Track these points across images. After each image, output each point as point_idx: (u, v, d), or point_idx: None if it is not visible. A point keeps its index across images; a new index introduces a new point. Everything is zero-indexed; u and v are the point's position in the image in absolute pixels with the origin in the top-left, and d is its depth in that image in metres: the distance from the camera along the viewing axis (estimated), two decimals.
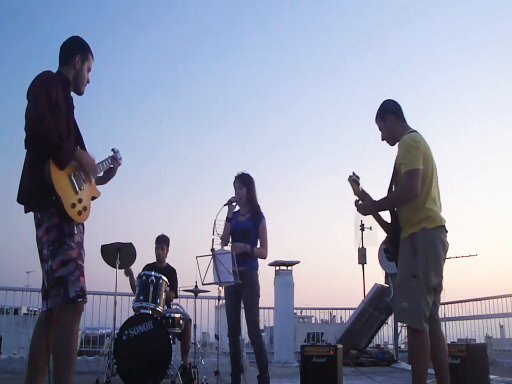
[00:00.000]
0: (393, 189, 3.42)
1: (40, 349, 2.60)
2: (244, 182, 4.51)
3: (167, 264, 5.87)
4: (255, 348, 4.30)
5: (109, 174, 3.13)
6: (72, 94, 2.91)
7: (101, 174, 3.07)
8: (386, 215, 3.48)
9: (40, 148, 2.58)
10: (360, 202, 3.45)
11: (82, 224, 2.77)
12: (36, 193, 2.59)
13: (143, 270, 5.53)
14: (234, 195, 4.51)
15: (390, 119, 3.45)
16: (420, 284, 3.11)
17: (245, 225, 4.44)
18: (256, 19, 35.41)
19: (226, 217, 4.42)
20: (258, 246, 4.45)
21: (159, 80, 37.00)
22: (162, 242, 5.83)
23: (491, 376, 4.93)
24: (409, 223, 3.25)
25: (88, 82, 2.95)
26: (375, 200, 3.40)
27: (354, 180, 3.49)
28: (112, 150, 3.13)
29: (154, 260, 5.85)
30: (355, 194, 3.49)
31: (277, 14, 32.86)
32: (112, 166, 3.12)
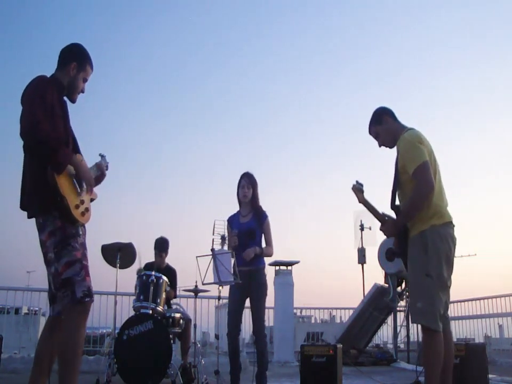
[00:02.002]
0: (398, 190, 3.38)
1: (46, 351, 2.63)
2: (252, 183, 4.53)
3: (167, 263, 5.86)
4: (259, 346, 4.30)
5: (97, 179, 3.05)
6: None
7: None
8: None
9: (38, 152, 2.58)
10: (383, 227, 3.41)
11: (84, 226, 2.78)
12: (39, 197, 2.60)
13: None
14: (240, 195, 4.52)
15: (388, 120, 3.45)
16: (434, 282, 3.09)
17: (249, 226, 4.44)
18: (257, 21, 35.42)
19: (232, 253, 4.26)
20: (263, 244, 4.46)
21: (162, 81, 36.97)
22: (162, 249, 5.76)
23: (490, 376, 4.94)
24: (417, 220, 3.20)
25: (82, 92, 2.92)
26: (396, 218, 3.35)
27: (358, 188, 3.50)
28: (100, 155, 3.11)
29: (153, 259, 5.82)
30: (360, 202, 3.50)
31: (278, 16, 32.87)
32: (100, 172, 3.06)
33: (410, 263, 3.26)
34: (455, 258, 3.30)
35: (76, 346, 2.56)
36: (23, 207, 2.70)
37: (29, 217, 2.69)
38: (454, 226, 3.28)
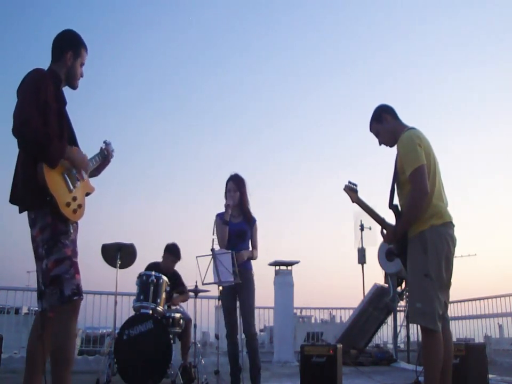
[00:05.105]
0: (397, 190, 3.38)
1: (37, 349, 2.59)
2: (239, 185, 4.54)
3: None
4: (250, 347, 4.33)
5: (102, 165, 3.07)
6: (67, 88, 2.87)
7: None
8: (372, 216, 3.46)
9: (28, 149, 2.56)
10: (385, 233, 3.42)
11: (76, 223, 2.74)
12: (29, 193, 2.57)
13: (146, 269, 5.53)
14: (228, 199, 4.50)
15: (388, 118, 3.43)
16: (433, 282, 3.07)
17: (240, 227, 4.49)
18: (257, 23, 35.40)
19: (224, 220, 4.42)
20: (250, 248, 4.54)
21: (163, 82, 36.94)
22: (178, 257, 5.73)
23: (490, 376, 4.94)
24: (417, 220, 3.18)
25: (82, 76, 2.89)
26: (396, 225, 3.35)
27: (351, 188, 3.50)
28: (104, 142, 3.10)
29: (156, 260, 5.77)
30: (353, 202, 3.50)
31: (279, 18, 32.88)
32: (105, 158, 3.06)
33: (410, 263, 3.24)
34: (455, 258, 3.29)
35: (67, 345, 2.53)
36: (13, 200, 2.66)
37: (20, 211, 2.66)
38: (453, 226, 3.26)
